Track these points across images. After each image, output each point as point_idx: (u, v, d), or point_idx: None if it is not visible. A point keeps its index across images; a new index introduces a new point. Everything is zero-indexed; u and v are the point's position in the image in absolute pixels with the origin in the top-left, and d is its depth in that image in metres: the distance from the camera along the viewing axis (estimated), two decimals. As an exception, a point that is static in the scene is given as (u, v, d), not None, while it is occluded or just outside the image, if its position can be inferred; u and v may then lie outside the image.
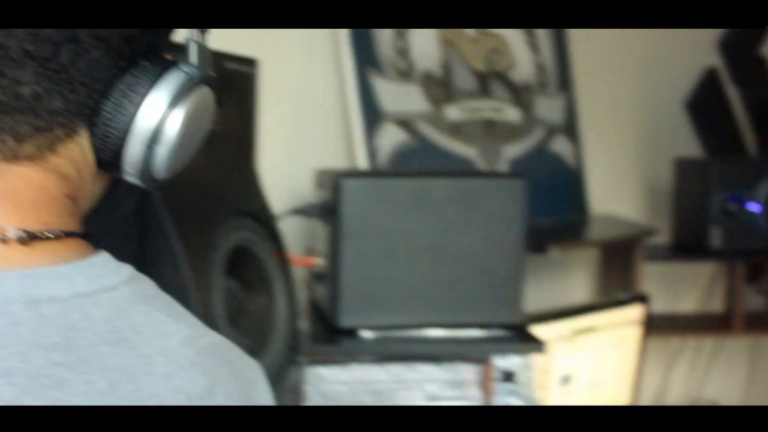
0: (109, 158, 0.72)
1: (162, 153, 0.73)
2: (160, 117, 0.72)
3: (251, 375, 0.73)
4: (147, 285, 0.72)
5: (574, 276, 2.80)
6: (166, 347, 0.67)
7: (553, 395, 2.25)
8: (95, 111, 0.70)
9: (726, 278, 2.70)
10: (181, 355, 0.67)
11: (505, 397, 1.72)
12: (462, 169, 2.33)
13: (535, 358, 2.13)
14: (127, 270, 0.71)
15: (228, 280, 1.42)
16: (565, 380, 2.28)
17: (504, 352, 1.72)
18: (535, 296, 2.52)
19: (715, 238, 2.47)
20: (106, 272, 0.69)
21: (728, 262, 2.65)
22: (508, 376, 1.72)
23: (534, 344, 1.75)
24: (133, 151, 0.72)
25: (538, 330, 2.13)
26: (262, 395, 0.73)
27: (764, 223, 2.48)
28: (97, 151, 0.72)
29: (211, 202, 1.44)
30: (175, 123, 0.73)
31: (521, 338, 1.77)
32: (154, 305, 0.70)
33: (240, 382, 0.71)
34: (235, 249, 1.44)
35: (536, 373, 2.16)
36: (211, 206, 1.42)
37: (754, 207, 2.47)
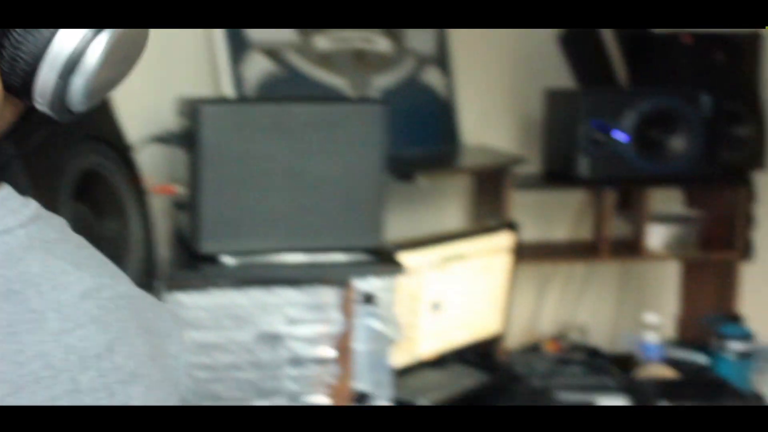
0: (17, 84, 0.65)
1: (79, 84, 0.65)
2: (78, 42, 0.64)
3: (164, 326, 0.68)
4: (50, 227, 0.65)
5: (447, 205, 2.85)
6: (62, 301, 0.61)
7: (423, 321, 2.30)
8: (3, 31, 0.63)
9: (594, 206, 2.78)
10: (79, 310, 0.61)
11: (366, 319, 1.76)
12: (322, 95, 2.34)
13: (405, 285, 2.18)
14: (29, 209, 0.64)
15: (78, 204, 1.41)
16: (436, 307, 2.33)
17: (364, 274, 1.75)
18: (408, 224, 2.57)
19: (583, 166, 2.54)
20: (1, 212, 0.62)
21: (596, 190, 2.73)
22: (369, 299, 1.75)
23: (393, 267, 1.79)
24: (45, 80, 0.64)
25: (408, 257, 2.18)
26: (174, 347, 0.68)
27: (630, 152, 2.55)
28: (4, 75, 0.64)
29: (60, 126, 1.42)
30: (96, 50, 0.65)
31: (381, 261, 1.81)
32: (55, 252, 0.63)
33: (150, 335, 0.65)
34: (85, 173, 1.43)
35: (406, 299, 2.21)
36: (58, 130, 1.41)
37: (620, 136, 2.54)
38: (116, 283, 0.65)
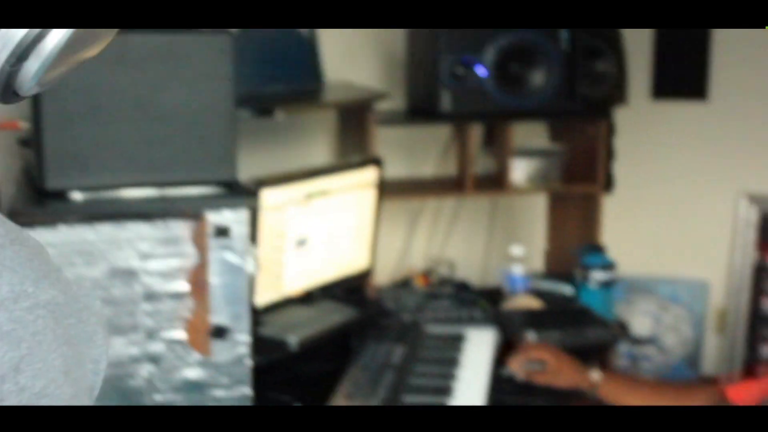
0: None
1: (31, 68, 0.62)
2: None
3: (87, 330, 0.65)
4: None
5: (312, 142, 2.86)
6: None
7: (288, 258, 2.31)
8: None
9: (459, 142, 2.82)
10: None
11: (220, 253, 1.76)
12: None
13: (268, 221, 2.18)
14: None
15: None
16: (301, 243, 2.35)
17: (216, 207, 1.75)
18: (273, 161, 2.57)
19: (445, 101, 2.56)
20: None
21: (459, 125, 2.77)
22: (222, 232, 1.75)
23: (246, 199, 1.79)
24: None
25: (272, 193, 2.18)
26: (95, 351, 0.66)
27: (491, 87, 2.59)
28: None
29: None
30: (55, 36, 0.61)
31: (234, 194, 1.80)
32: None
33: (69, 345, 0.62)
34: None
35: (270, 235, 2.21)
36: None
37: (480, 71, 2.57)
38: (38, 290, 0.61)
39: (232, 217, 1.76)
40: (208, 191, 1.79)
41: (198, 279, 1.76)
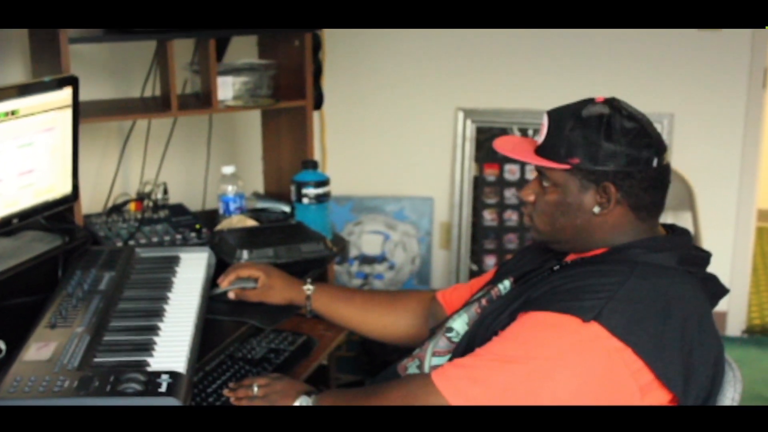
0: None
1: None
2: None
3: None
4: None
5: (4, 62, 2.75)
6: None
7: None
8: None
9: (161, 59, 2.77)
10: None
11: None
12: None
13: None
14: None
15: None
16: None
17: None
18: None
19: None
20: None
21: (161, 41, 2.73)
22: None
23: None
24: None
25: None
26: None
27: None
28: None
29: None
30: None
31: None
32: None
33: None
34: None
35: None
36: None
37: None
38: None
39: None
40: None
41: None
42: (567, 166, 1.79)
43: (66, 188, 2.51)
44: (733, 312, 4.46)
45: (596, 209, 1.80)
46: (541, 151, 1.84)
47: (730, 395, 1.86)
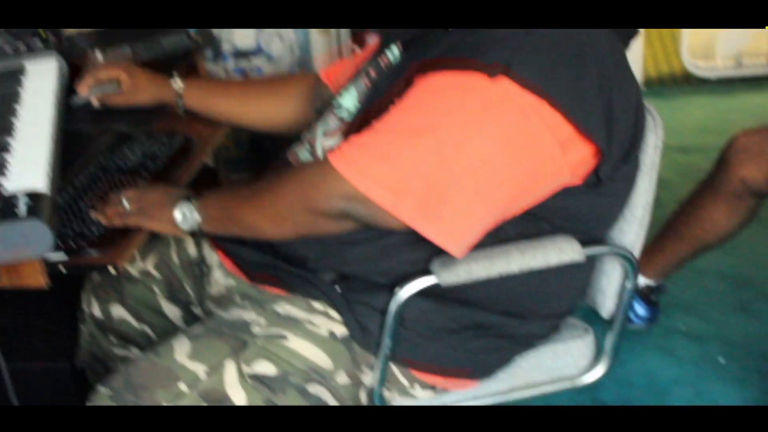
0: None
1: None
2: None
3: None
4: None
5: None
6: None
7: None
8: None
9: None
10: None
11: None
12: None
13: None
14: None
15: None
16: None
17: None
18: None
19: None
20: None
21: None
22: None
23: None
24: None
25: None
26: None
27: None
28: None
29: None
30: None
31: None
32: None
33: None
34: None
35: None
36: None
37: None
38: None
39: None
40: None
41: None
42: None
43: None
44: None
45: None
46: None
47: (653, 142, 1.78)
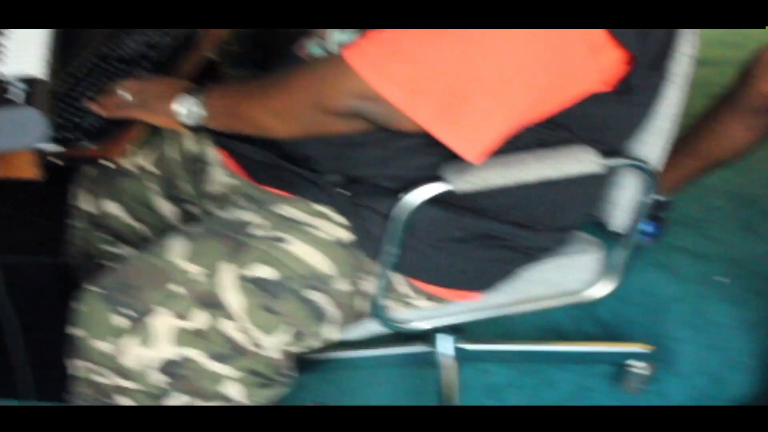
0: None
1: None
2: None
3: None
4: None
5: None
6: None
7: None
8: None
9: None
10: None
11: None
12: None
13: None
14: None
15: None
16: None
17: None
18: None
19: None
20: None
21: None
22: None
23: None
24: None
25: None
26: None
27: None
28: None
29: None
30: None
31: None
32: None
33: None
34: None
35: None
36: None
37: None
38: None
39: None
40: None
41: None
42: None
43: None
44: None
45: None
46: None
47: (688, 51, 1.70)
